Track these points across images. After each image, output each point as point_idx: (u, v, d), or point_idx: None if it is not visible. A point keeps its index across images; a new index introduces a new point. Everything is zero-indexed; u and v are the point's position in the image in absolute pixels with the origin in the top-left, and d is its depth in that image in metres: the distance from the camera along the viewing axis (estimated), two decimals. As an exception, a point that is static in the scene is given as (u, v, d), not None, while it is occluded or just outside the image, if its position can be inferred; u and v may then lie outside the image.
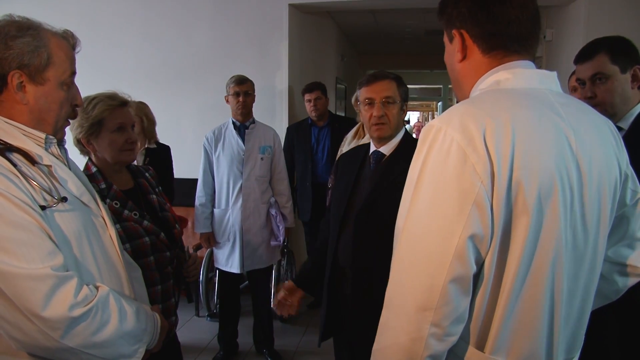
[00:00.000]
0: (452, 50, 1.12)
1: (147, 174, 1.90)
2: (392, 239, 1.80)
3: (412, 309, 0.94)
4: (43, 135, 1.18)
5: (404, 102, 1.98)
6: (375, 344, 1.03)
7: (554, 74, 1.10)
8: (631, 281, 1.21)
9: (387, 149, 1.96)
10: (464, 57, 1.09)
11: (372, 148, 2.00)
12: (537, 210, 0.94)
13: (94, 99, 1.74)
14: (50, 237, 1.05)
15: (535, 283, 0.98)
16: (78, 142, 1.76)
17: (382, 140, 1.96)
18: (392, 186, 1.86)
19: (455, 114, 0.97)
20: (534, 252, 0.96)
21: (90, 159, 1.78)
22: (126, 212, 1.70)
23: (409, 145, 1.94)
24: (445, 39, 1.14)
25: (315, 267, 2.10)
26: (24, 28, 1.14)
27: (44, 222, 1.05)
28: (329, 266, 2.01)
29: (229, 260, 3.32)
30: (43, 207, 1.07)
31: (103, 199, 1.62)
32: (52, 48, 1.16)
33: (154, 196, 1.83)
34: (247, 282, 3.77)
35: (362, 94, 1.97)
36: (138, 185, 1.82)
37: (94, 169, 1.74)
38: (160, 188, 1.93)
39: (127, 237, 1.66)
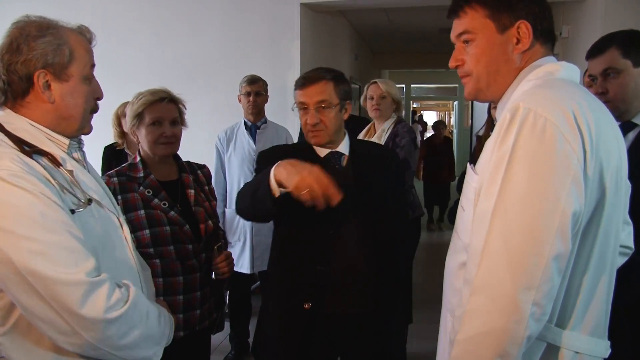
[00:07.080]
0: (501, 41, 1.12)
1: (199, 171, 2.04)
2: (365, 235, 1.76)
3: (514, 290, 0.92)
4: (67, 141, 1.20)
5: (344, 102, 1.84)
6: (461, 333, 0.99)
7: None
8: (622, 260, 1.28)
9: (343, 148, 1.88)
10: (529, 47, 1.12)
11: (325, 151, 1.85)
12: (611, 189, 1.01)
13: (141, 94, 1.89)
14: (81, 241, 1.06)
15: (606, 259, 1.05)
16: (132, 134, 1.92)
17: (329, 144, 1.85)
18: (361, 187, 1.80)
19: (542, 97, 0.99)
20: (609, 230, 1.03)
21: (139, 149, 1.93)
22: (156, 200, 1.82)
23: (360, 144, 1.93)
24: (490, 28, 1.13)
25: None
26: (44, 27, 1.15)
27: (76, 226, 1.06)
28: None
29: (239, 260, 3.31)
30: (72, 211, 1.09)
31: (137, 187, 1.82)
32: (73, 44, 1.17)
33: (192, 191, 1.92)
34: (258, 282, 3.76)
35: (296, 97, 1.82)
36: (180, 178, 1.94)
37: (138, 159, 1.89)
38: (211, 186, 2.07)
39: (148, 224, 1.78)
